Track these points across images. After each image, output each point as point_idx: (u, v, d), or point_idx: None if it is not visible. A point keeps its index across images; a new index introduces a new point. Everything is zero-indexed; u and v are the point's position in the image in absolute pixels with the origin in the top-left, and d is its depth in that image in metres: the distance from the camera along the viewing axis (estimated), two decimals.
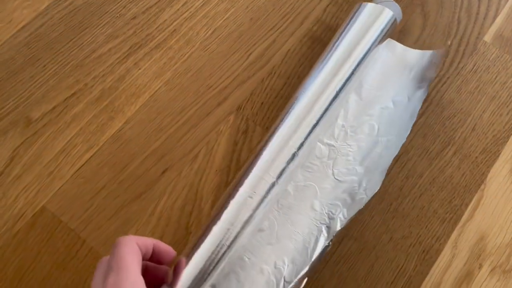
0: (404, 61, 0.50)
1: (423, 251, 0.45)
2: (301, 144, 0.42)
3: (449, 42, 0.52)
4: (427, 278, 0.44)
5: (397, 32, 0.53)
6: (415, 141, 0.48)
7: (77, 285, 0.40)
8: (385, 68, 0.49)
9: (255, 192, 0.39)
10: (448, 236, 0.45)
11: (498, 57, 0.53)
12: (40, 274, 0.41)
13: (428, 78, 0.48)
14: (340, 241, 0.44)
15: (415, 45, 0.52)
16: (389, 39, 0.50)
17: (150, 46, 0.50)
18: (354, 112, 0.47)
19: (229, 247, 0.37)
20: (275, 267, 0.40)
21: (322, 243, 0.40)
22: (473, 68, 0.52)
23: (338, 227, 0.40)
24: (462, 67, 0.52)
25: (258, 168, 0.40)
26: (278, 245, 0.41)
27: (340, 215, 0.41)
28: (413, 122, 0.45)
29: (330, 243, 0.41)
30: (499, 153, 0.49)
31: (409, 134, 0.45)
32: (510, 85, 0.51)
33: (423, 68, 0.48)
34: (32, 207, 0.42)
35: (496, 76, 0.52)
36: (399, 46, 0.50)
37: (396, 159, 0.47)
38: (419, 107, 0.46)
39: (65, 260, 0.41)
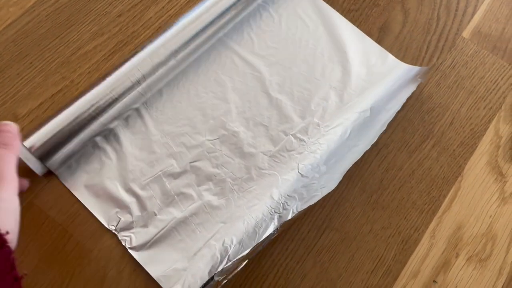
0: (391, 72, 0.51)
1: (402, 241, 0.46)
2: None
3: (435, 60, 0.53)
4: (405, 267, 0.45)
5: (377, 29, 0.54)
6: (395, 134, 0.50)
7: (64, 278, 0.41)
8: (371, 76, 0.50)
9: None
10: (426, 227, 0.47)
11: (476, 52, 0.54)
12: (27, 268, 0.41)
13: (408, 91, 0.48)
14: (322, 232, 0.46)
15: (395, 41, 0.53)
16: (381, 48, 0.52)
17: (135, 43, 0.50)
18: (332, 113, 0.48)
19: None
20: (223, 245, 0.41)
21: (270, 230, 0.41)
22: (451, 64, 0.53)
23: (289, 217, 0.42)
24: (441, 63, 0.53)
25: None
26: (230, 224, 0.43)
27: (294, 208, 0.42)
28: (382, 131, 0.46)
29: (276, 231, 0.42)
30: (476, 146, 0.50)
31: (389, 128, 0.46)
32: (488, 80, 0.53)
33: (407, 82, 0.50)
34: (20, 202, 0.43)
35: (474, 71, 0.53)
36: (390, 57, 0.52)
37: (377, 152, 0.49)
38: (391, 119, 0.47)
39: (53, 254, 0.42)
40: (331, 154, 0.45)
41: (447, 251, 0.46)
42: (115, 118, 0.45)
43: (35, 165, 0.42)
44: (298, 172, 0.45)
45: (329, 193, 0.43)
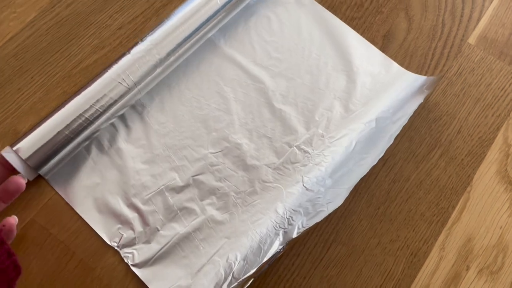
0: (396, 81, 0.50)
1: (411, 254, 0.45)
2: None
3: (441, 74, 0.52)
4: (415, 281, 0.44)
5: (381, 36, 0.53)
6: (401, 144, 0.49)
7: None
8: (376, 85, 0.50)
9: None
10: (436, 239, 0.46)
11: (483, 58, 0.53)
12: (31, 286, 0.41)
13: (415, 103, 0.47)
14: (329, 246, 0.45)
15: (400, 49, 0.52)
16: (386, 57, 0.51)
17: None
18: (336, 123, 0.48)
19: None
20: (227, 261, 0.41)
21: (276, 246, 0.40)
22: (458, 71, 0.52)
23: (295, 235, 0.40)
24: (447, 70, 0.52)
25: None
26: (234, 239, 0.42)
27: (299, 223, 0.41)
28: (389, 145, 0.44)
29: (282, 249, 0.41)
30: (485, 155, 0.49)
31: (396, 138, 0.46)
32: (495, 86, 0.52)
33: (413, 92, 0.49)
34: (21, 220, 0.42)
35: (481, 78, 0.52)
36: (395, 66, 0.51)
37: (383, 163, 0.48)
38: (398, 131, 0.45)
39: (55, 272, 0.41)
40: (336, 166, 0.45)
41: (457, 263, 0.45)
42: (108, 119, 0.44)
43: (24, 171, 0.41)
44: (303, 185, 0.44)
45: (346, 197, 0.41)
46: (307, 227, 0.40)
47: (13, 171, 0.40)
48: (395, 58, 0.52)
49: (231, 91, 0.48)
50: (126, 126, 0.46)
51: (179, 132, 0.46)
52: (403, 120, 0.46)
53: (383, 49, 0.52)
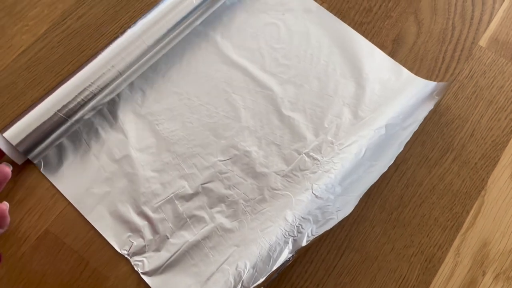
0: (406, 87, 0.50)
1: (426, 259, 0.45)
2: None
3: (452, 78, 0.51)
4: (430, 287, 0.44)
5: (391, 41, 0.53)
6: (413, 149, 0.48)
7: None
8: (385, 91, 0.49)
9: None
10: (450, 244, 0.45)
11: (494, 61, 0.52)
12: None
13: (425, 109, 0.47)
14: (342, 252, 0.44)
15: (410, 53, 0.52)
16: (395, 63, 0.51)
17: None
18: (346, 130, 0.47)
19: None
20: (236, 269, 0.41)
21: (285, 255, 0.40)
22: (469, 74, 0.52)
23: (304, 243, 0.40)
24: (458, 73, 0.52)
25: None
26: (243, 247, 0.42)
27: (309, 231, 0.41)
28: (399, 152, 0.44)
29: (292, 257, 0.40)
30: (498, 159, 0.48)
31: (408, 142, 0.45)
32: (507, 89, 0.51)
33: (423, 98, 0.48)
34: (36, 230, 0.43)
35: (493, 81, 0.52)
36: (404, 72, 0.51)
37: (395, 168, 0.48)
38: (408, 138, 0.45)
39: (70, 282, 0.42)
40: (346, 174, 0.44)
41: (473, 269, 0.44)
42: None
43: (13, 154, 0.43)
44: (312, 192, 0.44)
45: (356, 205, 0.41)
46: (316, 235, 0.40)
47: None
48: (405, 62, 0.52)
49: (240, 98, 0.48)
50: (137, 134, 0.46)
51: (188, 140, 0.46)
52: (414, 127, 0.45)
53: (393, 53, 0.52)
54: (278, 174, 0.45)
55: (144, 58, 0.47)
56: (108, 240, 0.43)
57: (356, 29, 0.53)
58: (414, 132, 0.45)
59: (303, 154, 0.46)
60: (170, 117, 0.47)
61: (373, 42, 0.52)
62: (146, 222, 0.43)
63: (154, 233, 0.43)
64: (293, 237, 0.41)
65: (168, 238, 0.42)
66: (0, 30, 0.51)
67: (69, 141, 0.45)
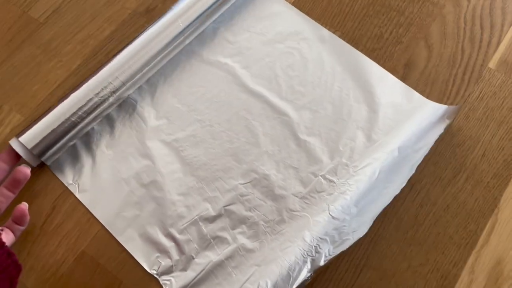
0: (418, 110, 0.52)
1: (442, 277, 0.46)
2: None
3: (463, 101, 0.53)
4: None
5: (402, 66, 0.55)
6: (427, 169, 0.50)
7: None
8: (397, 115, 0.51)
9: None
10: (465, 262, 0.46)
11: (504, 82, 0.54)
12: None
13: (436, 132, 0.49)
14: (360, 270, 0.46)
15: (421, 76, 0.54)
16: (407, 86, 0.53)
17: None
18: (360, 153, 0.49)
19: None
20: None
21: (304, 274, 0.42)
22: (479, 95, 0.53)
23: (322, 263, 0.42)
24: (469, 95, 0.53)
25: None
26: (264, 267, 0.44)
27: (326, 251, 0.43)
28: (411, 175, 0.46)
29: (310, 277, 0.42)
30: (511, 177, 0.50)
31: (421, 163, 0.47)
32: None
33: (434, 121, 0.50)
34: (73, 252, 0.46)
35: (503, 102, 0.53)
36: (416, 95, 0.53)
37: (410, 187, 0.49)
38: (420, 161, 0.47)
39: None
40: (361, 195, 0.46)
41: (487, 286, 0.45)
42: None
43: (28, 157, 0.47)
44: (329, 213, 0.46)
45: (370, 226, 0.43)
46: (333, 255, 0.42)
47: (16, 162, 0.47)
48: (416, 86, 0.54)
49: (258, 125, 0.51)
50: (163, 160, 0.49)
51: (211, 165, 0.49)
52: (425, 150, 0.47)
53: (405, 77, 0.54)
54: (296, 196, 0.48)
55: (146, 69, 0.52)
56: (138, 261, 0.45)
57: (368, 55, 0.55)
58: (428, 152, 0.47)
59: (320, 177, 0.49)
60: (194, 143, 0.50)
61: (385, 67, 0.54)
62: (173, 243, 0.46)
63: (181, 254, 0.45)
64: (312, 257, 0.43)
65: (194, 258, 0.45)
66: (37, 67, 0.55)
67: (101, 169, 0.49)
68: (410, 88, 0.53)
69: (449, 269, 0.46)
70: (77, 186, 0.48)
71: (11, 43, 0.55)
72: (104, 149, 0.50)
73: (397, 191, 0.45)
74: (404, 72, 0.55)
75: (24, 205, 0.44)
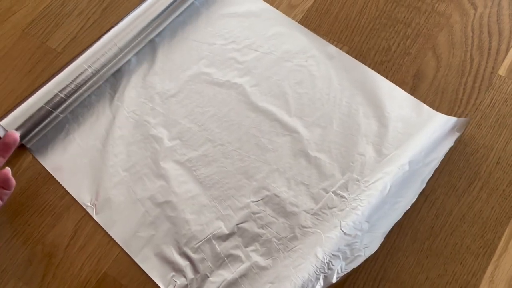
0: (427, 123, 0.52)
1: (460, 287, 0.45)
2: None
3: (473, 101, 0.53)
4: None
5: (411, 77, 0.55)
6: (441, 179, 0.50)
7: None
8: (407, 128, 0.51)
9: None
10: (484, 271, 0.46)
11: None
12: None
13: (446, 145, 0.49)
14: (378, 284, 0.46)
15: (431, 87, 0.54)
16: (416, 100, 0.53)
17: None
18: (371, 168, 0.50)
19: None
20: None
21: None
22: (491, 103, 0.53)
23: (334, 280, 0.42)
24: (480, 103, 0.53)
25: None
26: (278, 284, 0.44)
27: (338, 268, 0.43)
28: (422, 189, 0.46)
29: None
30: None
31: (435, 173, 0.47)
32: None
33: (444, 134, 0.50)
34: (96, 274, 0.47)
35: None
36: (425, 108, 0.53)
37: (425, 198, 0.49)
38: (430, 175, 0.47)
39: None
40: (372, 210, 0.46)
41: None
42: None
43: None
44: (341, 229, 0.46)
45: (381, 242, 0.43)
46: (345, 272, 0.42)
47: None
48: (426, 96, 0.54)
49: (268, 142, 0.52)
50: (177, 180, 0.50)
51: (223, 183, 0.50)
52: (435, 163, 0.47)
53: (414, 88, 0.54)
54: (308, 213, 0.48)
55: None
56: (154, 280, 0.46)
57: (377, 68, 0.56)
58: (441, 162, 0.47)
59: (331, 193, 0.49)
60: (206, 162, 0.51)
61: (394, 79, 0.55)
62: (187, 262, 0.47)
63: (195, 273, 0.46)
64: (324, 273, 0.43)
65: (208, 277, 0.46)
66: None
67: (117, 190, 0.50)
68: (419, 101, 0.53)
69: (468, 280, 0.46)
70: (94, 207, 0.50)
71: (31, 73, 0.57)
72: (120, 171, 0.51)
73: (408, 206, 0.45)
74: (414, 83, 0.55)
75: (7, 170, 0.46)
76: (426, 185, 0.46)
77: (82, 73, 0.53)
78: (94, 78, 0.54)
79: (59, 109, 0.53)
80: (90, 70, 0.54)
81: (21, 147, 0.53)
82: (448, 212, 0.48)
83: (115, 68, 0.56)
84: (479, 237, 0.47)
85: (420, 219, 0.48)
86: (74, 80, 0.53)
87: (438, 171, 0.50)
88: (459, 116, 0.52)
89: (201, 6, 0.60)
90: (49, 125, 0.53)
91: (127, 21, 0.56)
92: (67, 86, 0.53)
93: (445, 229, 0.48)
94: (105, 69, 0.55)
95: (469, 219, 0.48)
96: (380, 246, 0.43)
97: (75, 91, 0.53)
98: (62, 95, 0.52)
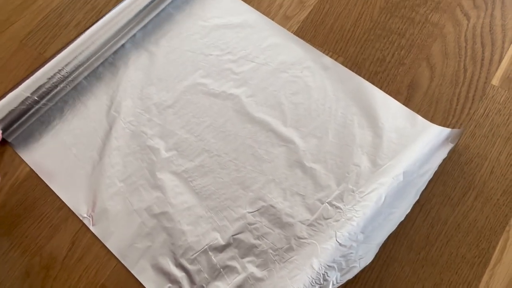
0: (421, 134, 0.52)
1: None
2: None
3: (466, 111, 0.53)
4: None
5: (406, 87, 0.56)
6: (436, 188, 0.50)
7: None
8: (401, 139, 0.52)
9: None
10: (479, 280, 0.46)
11: (508, 98, 0.54)
12: None
13: (440, 156, 0.49)
14: None
15: (425, 96, 0.55)
16: (410, 111, 0.54)
17: None
18: (366, 178, 0.50)
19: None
20: None
21: None
22: (484, 112, 0.54)
23: None
24: (474, 112, 0.54)
25: None
26: None
27: (334, 279, 0.43)
28: (416, 200, 0.46)
29: None
30: None
31: (430, 182, 0.47)
32: None
33: (438, 144, 0.50)
34: (93, 286, 0.47)
35: (508, 118, 0.53)
36: (419, 119, 0.53)
37: (420, 208, 0.49)
38: (424, 186, 0.47)
39: None
40: (367, 221, 0.46)
41: None
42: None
43: None
44: (336, 240, 0.46)
45: (377, 253, 0.44)
46: (340, 283, 0.43)
47: None
48: (421, 106, 0.54)
49: (264, 153, 0.52)
50: (173, 191, 0.51)
51: (219, 194, 0.50)
52: (429, 175, 0.47)
53: (409, 98, 0.55)
54: (303, 223, 0.48)
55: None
56: None
57: (372, 79, 0.56)
58: (436, 172, 0.48)
59: (326, 203, 0.49)
60: (203, 173, 0.52)
61: (388, 89, 0.55)
62: (184, 274, 0.47)
63: (192, 284, 0.46)
64: (320, 284, 0.43)
65: None
66: None
67: (113, 201, 0.51)
68: (413, 112, 0.54)
69: None
70: (91, 219, 0.50)
71: None
72: (117, 182, 0.51)
73: (402, 217, 0.45)
74: (408, 93, 0.55)
75: None
76: (421, 195, 0.47)
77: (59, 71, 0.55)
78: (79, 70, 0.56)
79: (43, 100, 0.54)
80: (75, 62, 0.55)
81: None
82: (443, 221, 0.49)
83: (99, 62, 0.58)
84: (474, 246, 0.47)
85: (415, 228, 0.49)
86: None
87: (433, 181, 0.50)
88: (454, 126, 0.53)
89: (197, 17, 0.61)
90: (32, 117, 0.55)
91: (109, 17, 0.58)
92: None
93: (441, 239, 0.48)
94: (91, 59, 0.57)
95: (464, 229, 0.48)
96: (376, 257, 0.44)
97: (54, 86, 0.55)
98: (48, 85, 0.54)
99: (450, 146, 0.49)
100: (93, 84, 0.57)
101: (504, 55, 0.56)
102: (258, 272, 0.46)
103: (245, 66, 0.58)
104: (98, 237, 0.49)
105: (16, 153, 0.54)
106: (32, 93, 0.53)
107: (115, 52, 0.59)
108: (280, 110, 0.55)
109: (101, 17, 0.59)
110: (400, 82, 0.56)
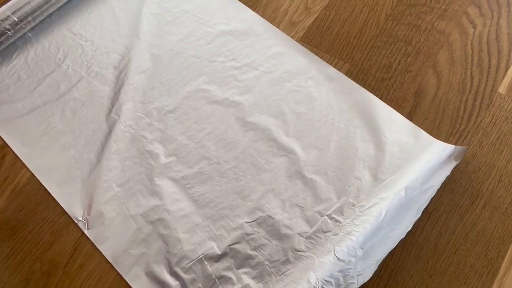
0: (424, 150, 0.51)
1: None
2: None
3: (473, 119, 0.52)
4: None
5: (412, 94, 0.55)
6: (444, 197, 0.49)
7: None
8: (404, 154, 0.50)
9: None
10: None
11: None
12: None
13: (443, 174, 0.48)
14: None
15: (432, 104, 0.54)
16: (413, 125, 0.52)
17: None
18: (366, 192, 0.49)
19: None
20: None
21: None
22: (491, 121, 0.53)
23: None
24: (481, 121, 0.53)
25: None
26: None
27: None
28: (417, 218, 0.45)
29: None
30: None
31: (437, 191, 0.47)
32: None
33: (441, 162, 0.49)
34: None
35: None
36: (423, 134, 0.52)
37: (428, 216, 0.48)
38: (426, 204, 0.46)
39: None
40: (367, 236, 0.45)
41: None
42: None
43: None
44: (335, 255, 0.44)
45: (385, 262, 0.43)
46: None
47: None
48: (427, 114, 0.53)
49: (265, 162, 0.51)
50: (171, 198, 0.50)
51: (217, 202, 0.50)
52: (431, 192, 0.46)
53: (415, 105, 0.54)
54: (302, 236, 0.47)
55: None
56: None
57: (378, 85, 0.56)
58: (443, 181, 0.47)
59: (325, 216, 0.48)
60: (201, 180, 0.51)
61: (395, 97, 0.55)
62: (178, 282, 0.46)
63: None
64: None
65: None
66: None
67: (110, 206, 0.50)
68: (417, 127, 0.52)
69: None
70: (86, 222, 0.50)
71: None
72: (114, 186, 0.51)
73: (403, 235, 0.44)
74: (415, 100, 0.55)
75: None
76: (428, 204, 0.46)
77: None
78: None
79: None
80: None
81: None
82: (452, 230, 0.48)
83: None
84: (483, 256, 0.47)
85: (423, 237, 0.48)
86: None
87: (441, 189, 0.49)
88: (461, 134, 0.52)
89: (202, 24, 0.61)
90: None
91: None
92: None
93: (449, 248, 0.47)
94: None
95: (472, 238, 0.47)
96: (384, 265, 0.43)
97: None
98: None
99: (453, 163, 0.48)
100: (94, 86, 0.57)
101: (511, 63, 0.55)
102: (253, 284, 0.45)
103: (249, 73, 0.57)
104: (92, 241, 0.49)
105: (17, 156, 0.53)
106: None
107: (119, 55, 0.59)
108: (283, 119, 0.54)
109: None
110: (406, 89, 0.56)
